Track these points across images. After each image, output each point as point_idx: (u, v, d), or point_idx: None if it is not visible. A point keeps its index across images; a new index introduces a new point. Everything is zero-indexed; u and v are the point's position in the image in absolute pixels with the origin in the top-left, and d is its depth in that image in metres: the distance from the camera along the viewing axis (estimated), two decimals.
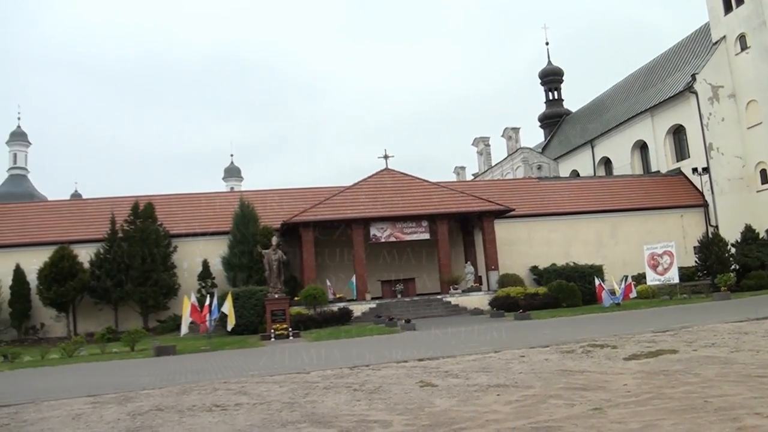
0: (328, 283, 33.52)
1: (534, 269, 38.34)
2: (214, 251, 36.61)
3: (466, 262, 36.65)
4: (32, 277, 34.20)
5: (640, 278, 33.56)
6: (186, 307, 23.87)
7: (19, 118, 79.02)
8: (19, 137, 77.50)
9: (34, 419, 9.78)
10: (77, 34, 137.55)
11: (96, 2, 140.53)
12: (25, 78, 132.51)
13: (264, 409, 9.12)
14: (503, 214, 37.17)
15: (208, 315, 24.08)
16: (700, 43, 47.20)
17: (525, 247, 39.73)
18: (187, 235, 37.21)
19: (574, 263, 35.87)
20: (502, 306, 30.80)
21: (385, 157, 37.91)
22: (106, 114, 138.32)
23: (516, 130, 62.76)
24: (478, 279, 35.86)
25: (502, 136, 64.40)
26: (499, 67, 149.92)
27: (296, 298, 31.19)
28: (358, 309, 32.21)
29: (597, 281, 31.29)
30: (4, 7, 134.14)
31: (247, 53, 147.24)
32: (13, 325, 34.04)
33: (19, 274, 34.29)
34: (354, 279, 33.84)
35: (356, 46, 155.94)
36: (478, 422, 7.14)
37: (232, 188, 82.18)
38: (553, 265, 36.76)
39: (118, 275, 34.44)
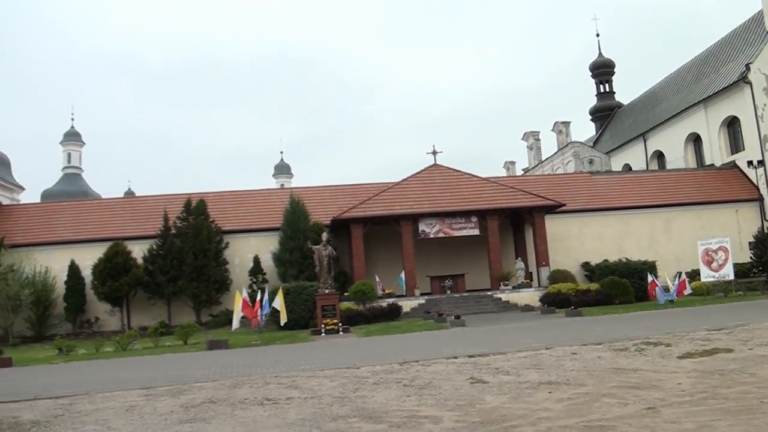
0: (377, 279, 33.65)
1: (585, 265, 37.91)
2: (265, 247, 37.03)
3: (516, 258, 36.44)
4: (87, 273, 35.07)
5: (694, 274, 32.91)
6: (238, 302, 24.23)
7: (72, 119, 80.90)
8: (72, 137, 79.26)
9: (88, 410, 10.04)
10: (129, 36, 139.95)
11: (148, 5, 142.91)
12: (79, 80, 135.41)
13: (315, 404, 9.23)
14: (554, 209, 36.80)
15: (259, 310, 24.41)
16: (754, 31, 45.99)
17: (576, 243, 39.33)
18: (238, 232, 37.71)
19: (626, 259, 35.36)
20: (553, 302, 30.57)
21: (434, 152, 37.88)
22: (158, 114, 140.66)
23: (566, 124, 61.99)
24: (529, 275, 35.60)
25: (553, 130, 63.70)
26: (549, 60, 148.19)
27: (346, 294, 31.39)
28: (407, 305, 32.26)
29: (650, 277, 30.81)
30: (57, 9, 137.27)
31: (296, 53, 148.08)
32: (68, 318, 34.99)
33: (73, 269, 35.21)
34: (403, 275, 33.89)
35: (403, 44, 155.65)
36: (530, 420, 7.14)
37: (282, 185, 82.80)
38: (605, 261, 36.30)
39: (171, 271, 35.05)
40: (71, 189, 71.35)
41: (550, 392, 8.85)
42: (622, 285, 31.80)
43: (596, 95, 71.05)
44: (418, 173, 37.72)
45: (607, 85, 70.78)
